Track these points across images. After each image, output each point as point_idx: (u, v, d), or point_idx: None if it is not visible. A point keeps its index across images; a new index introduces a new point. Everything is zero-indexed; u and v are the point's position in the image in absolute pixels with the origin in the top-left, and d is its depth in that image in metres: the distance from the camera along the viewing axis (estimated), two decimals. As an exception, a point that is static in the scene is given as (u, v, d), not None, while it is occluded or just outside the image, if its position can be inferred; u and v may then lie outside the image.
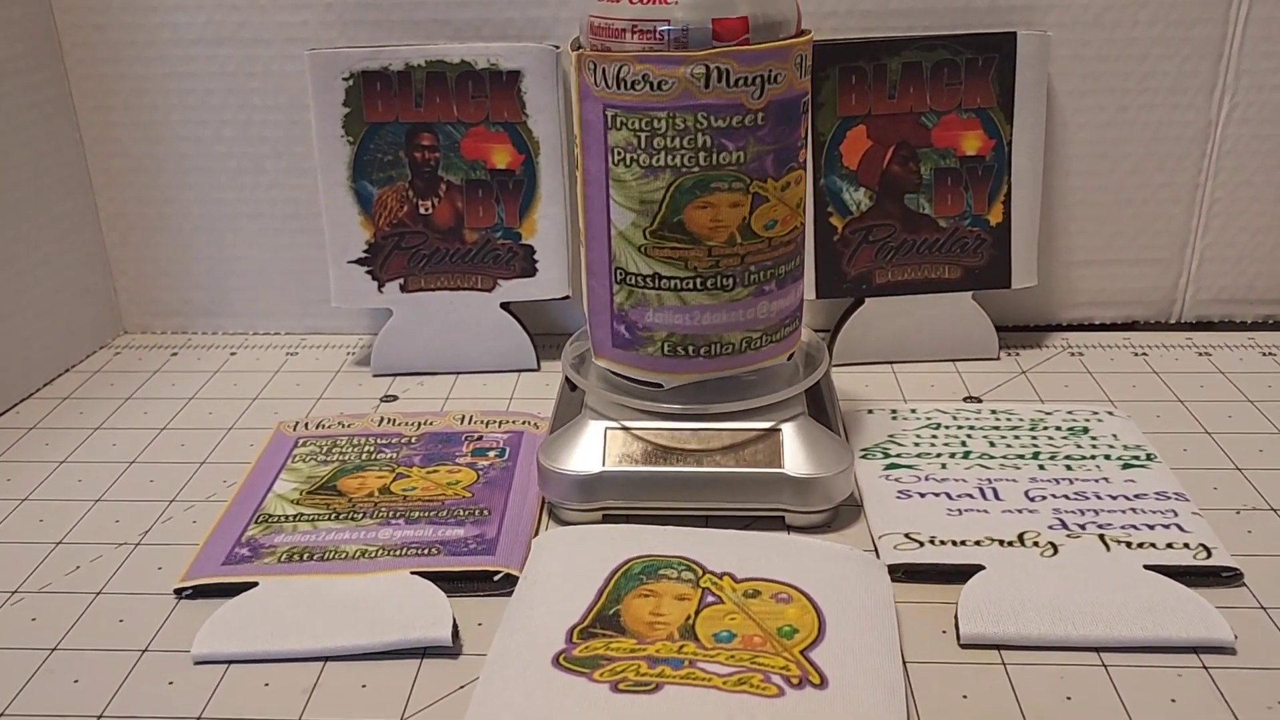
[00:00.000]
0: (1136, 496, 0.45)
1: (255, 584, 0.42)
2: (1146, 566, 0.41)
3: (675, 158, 0.42)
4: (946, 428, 0.51)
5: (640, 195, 0.42)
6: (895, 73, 0.55)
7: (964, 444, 0.50)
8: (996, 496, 0.46)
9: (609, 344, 0.46)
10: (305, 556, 0.43)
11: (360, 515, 0.46)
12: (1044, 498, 0.46)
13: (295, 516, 0.46)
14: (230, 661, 0.38)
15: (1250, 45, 0.57)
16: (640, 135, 0.41)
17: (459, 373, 0.60)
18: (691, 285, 0.43)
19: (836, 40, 0.55)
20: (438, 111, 0.57)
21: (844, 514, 0.46)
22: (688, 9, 0.40)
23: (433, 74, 0.56)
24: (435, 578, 0.41)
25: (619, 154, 0.42)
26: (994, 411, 0.53)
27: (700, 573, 0.40)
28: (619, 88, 0.41)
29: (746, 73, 0.41)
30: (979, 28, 0.56)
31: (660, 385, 0.45)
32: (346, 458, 0.50)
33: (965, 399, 0.55)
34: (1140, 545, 0.42)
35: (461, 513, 0.46)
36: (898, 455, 0.49)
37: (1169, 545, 0.42)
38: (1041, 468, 0.48)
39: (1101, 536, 0.43)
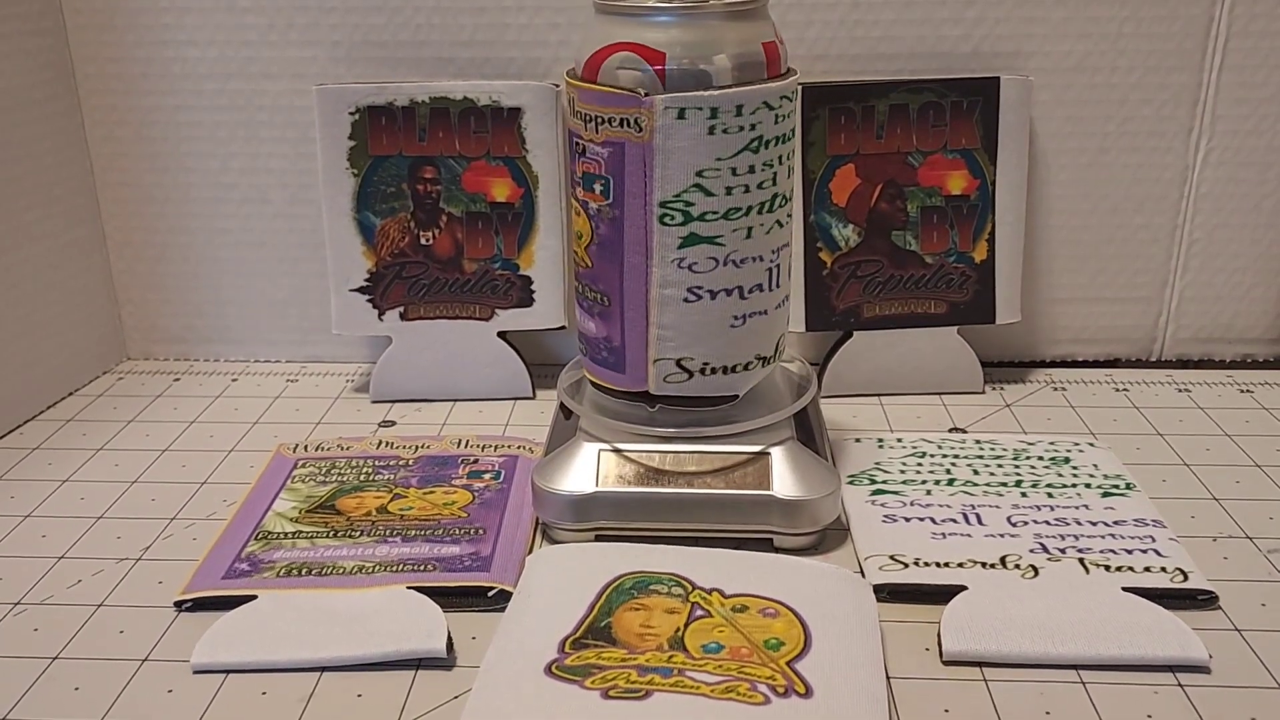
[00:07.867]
0: (1116, 523, 0.47)
1: (254, 597, 0.42)
2: (1125, 588, 0.42)
3: None
4: (931, 456, 0.53)
5: None
6: (883, 114, 0.57)
7: (948, 471, 0.51)
8: (979, 521, 0.47)
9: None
10: (303, 571, 0.44)
11: (358, 533, 0.47)
12: (1026, 523, 0.47)
13: (294, 534, 0.47)
14: (228, 671, 0.39)
15: (1225, 92, 0.59)
16: None
17: (456, 400, 0.61)
18: None
19: (827, 83, 0.57)
20: (440, 146, 0.59)
21: (831, 537, 0.47)
22: None
23: (436, 109, 0.58)
24: (431, 593, 0.42)
25: None
26: (978, 441, 0.54)
27: (690, 588, 0.41)
28: None
29: None
30: (963, 72, 0.58)
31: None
32: (345, 479, 0.51)
33: (950, 430, 0.57)
34: (1119, 568, 0.43)
35: (457, 531, 0.47)
36: (884, 481, 0.50)
37: (1146, 569, 0.43)
38: (1024, 495, 0.49)
39: (1081, 560, 0.44)
